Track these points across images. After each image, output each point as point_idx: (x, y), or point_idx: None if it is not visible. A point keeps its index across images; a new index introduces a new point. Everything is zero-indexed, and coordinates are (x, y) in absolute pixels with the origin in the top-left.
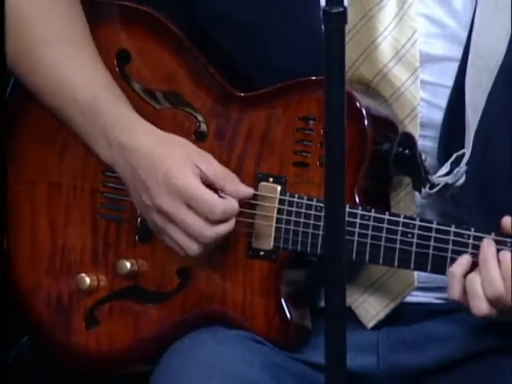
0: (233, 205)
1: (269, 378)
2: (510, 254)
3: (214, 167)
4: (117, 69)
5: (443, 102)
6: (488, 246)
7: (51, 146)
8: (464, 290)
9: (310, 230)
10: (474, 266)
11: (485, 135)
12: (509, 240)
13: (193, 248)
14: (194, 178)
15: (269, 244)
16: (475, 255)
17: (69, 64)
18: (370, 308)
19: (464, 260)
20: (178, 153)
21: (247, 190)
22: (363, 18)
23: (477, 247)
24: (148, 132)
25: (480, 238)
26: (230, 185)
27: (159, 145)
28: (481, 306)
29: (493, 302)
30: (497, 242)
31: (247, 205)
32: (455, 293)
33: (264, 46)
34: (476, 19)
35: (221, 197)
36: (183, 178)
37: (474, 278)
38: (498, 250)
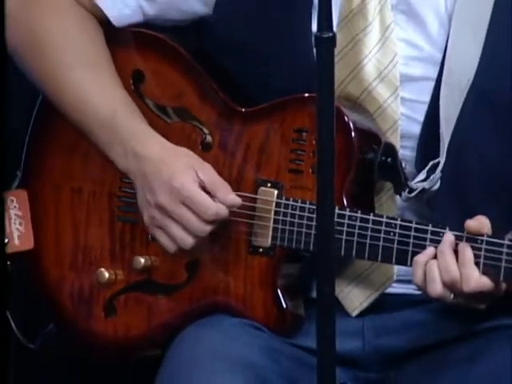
0: (224, 208)
1: (267, 360)
2: (467, 245)
3: (210, 176)
4: (132, 87)
5: (421, 116)
6: (447, 238)
7: (74, 155)
8: (424, 275)
9: (304, 230)
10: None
11: (457, 146)
12: (480, 238)
13: (188, 241)
14: (193, 182)
15: (267, 242)
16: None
17: (91, 85)
18: (354, 298)
19: (428, 251)
20: (182, 161)
21: (235, 200)
22: (350, 42)
23: None
24: (159, 143)
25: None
26: (222, 192)
27: (167, 154)
28: (436, 289)
29: (448, 285)
30: (467, 239)
31: (248, 207)
32: (417, 277)
33: (259, 66)
34: (449, 43)
35: (215, 201)
36: (183, 180)
37: (433, 264)
38: (457, 244)
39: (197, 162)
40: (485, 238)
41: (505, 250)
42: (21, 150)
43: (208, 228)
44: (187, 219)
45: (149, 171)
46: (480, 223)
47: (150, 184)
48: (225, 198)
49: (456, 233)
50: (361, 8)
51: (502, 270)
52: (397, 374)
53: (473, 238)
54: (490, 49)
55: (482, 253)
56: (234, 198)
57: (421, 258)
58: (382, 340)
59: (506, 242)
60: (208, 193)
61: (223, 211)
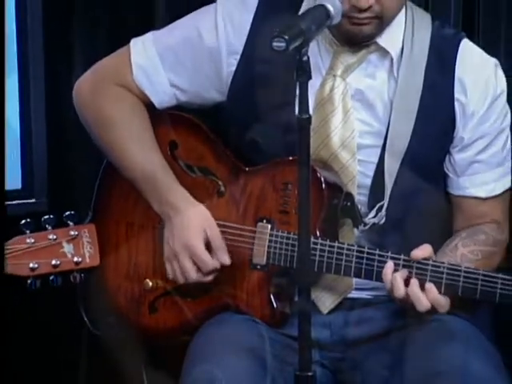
0: (218, 265)
1: (264, 345)
2: (433, 286)
3: (215, 235)
4: (169, 152)
5: (371, 172)
6: (414, 281)
7: (128, 199)
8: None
9: (289, 253)
10: (396, 265)
11: (396, 193)
12: (425, 261)
13: (185, 280)
14: (202, 243)
15: (263, 261)
16: (395, 258)
17: (139, 153)
18: (325, 301)
19: (389, 264)
20: (198, 220)
21: (227, 260)
22: (322, 121)
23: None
24: (185, 196)
25: (394, 258)
26: (220, 253)
27: (189, 209)
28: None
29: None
30: (404, 261)
31: (250, 237)
32: (400, 293)
33: (257, 137)
34: (391, 121)
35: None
36: (194, 242)
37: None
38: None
39: (207, 222)
40: (430, 262)
41: (445, 270)
42: (91, 195)
43: (202, 277)
44: (186, 268)
45: (174, 219)
46: (425, 250)
47: (172, 229)
48: (221, 258)
49: (406, 257)
50: (329, 97)
51: (443, 287)
52: (354, 354)
53: (420, 262)
54: (419, 126)
55: (428, 273)
56: (226, 259)
57: (397, 274)
58: (344, 330)
59: (446, 264)
60: (210, 247)
61: (216, 266)
